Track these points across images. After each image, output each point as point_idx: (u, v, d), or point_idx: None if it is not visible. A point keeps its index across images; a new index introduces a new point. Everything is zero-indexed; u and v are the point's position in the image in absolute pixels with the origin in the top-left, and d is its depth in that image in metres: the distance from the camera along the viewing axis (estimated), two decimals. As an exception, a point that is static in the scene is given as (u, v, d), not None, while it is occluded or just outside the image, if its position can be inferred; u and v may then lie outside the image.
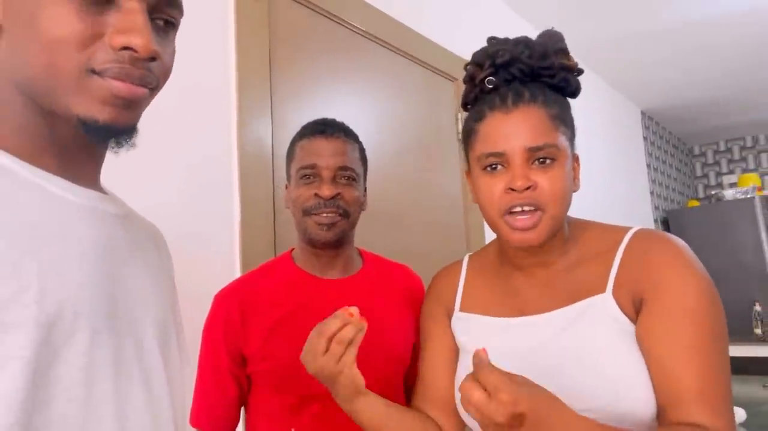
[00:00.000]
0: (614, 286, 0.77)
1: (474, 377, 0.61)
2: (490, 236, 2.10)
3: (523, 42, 0.82)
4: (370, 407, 0.81)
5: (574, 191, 0.82)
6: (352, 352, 0.75)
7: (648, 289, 0.74)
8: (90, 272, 0.48)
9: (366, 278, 1.03)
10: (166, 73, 0.54)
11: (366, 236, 1.60)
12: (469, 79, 0.86)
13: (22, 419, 0.40)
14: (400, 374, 1.02)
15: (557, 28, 0.85)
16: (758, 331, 3.34)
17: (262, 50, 1.38)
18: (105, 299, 0.49)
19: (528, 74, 0.80)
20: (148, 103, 0.53)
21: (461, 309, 0.91)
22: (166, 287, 0.62)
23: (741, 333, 3.39)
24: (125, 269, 0.54)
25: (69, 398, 0.44)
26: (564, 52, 0.82)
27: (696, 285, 0.72)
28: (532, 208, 0.76)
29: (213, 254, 1.21)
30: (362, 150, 1.04)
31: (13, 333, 0.40)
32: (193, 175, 1.20)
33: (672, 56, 3.24)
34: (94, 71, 0.47)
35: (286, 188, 1.04)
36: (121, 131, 0.50)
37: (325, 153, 0.96)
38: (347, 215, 0.96)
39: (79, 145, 0.52)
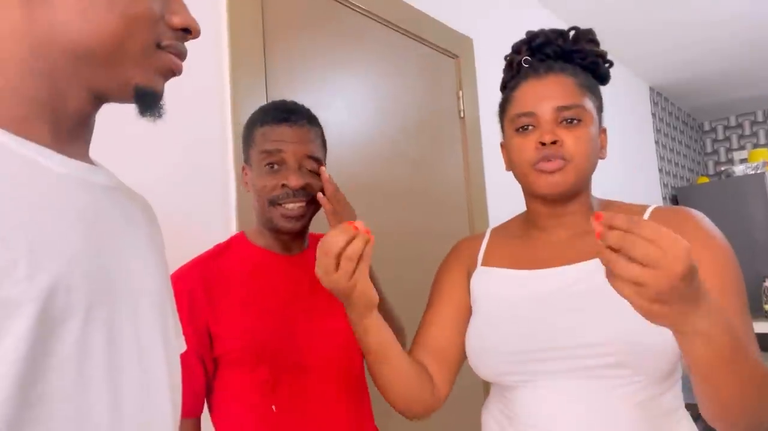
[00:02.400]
0: None
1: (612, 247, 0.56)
2: (493, 214, 2.08)
3: (558, 31, 0.93)
4: (380, 328, 0.83)
5: (601, 159, 0.90)
6: (363, 267, 0.74)
7: None
8: (81, 245, 0.47)
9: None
10: None
11: (368, 215, 1.59)
12: (508, 65, 0.96)
13: (16, 393, 0.40)
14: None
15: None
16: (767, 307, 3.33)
17: (256, 29, 1.36)
18: (98, 273, 0.48)
19: (561, 55, 0.90)
20: None
21: (483, 264, 0.96)
22: (158, 259, 0.61)
23: (750, 309, 3.36)
24: (117, 241, 0.53)
25: (62, 373, 0.43)
26: (595, 42, 0.92)
27: (722, 247, 0.80)
28: (558, 159, 0.84)
29: (210, 237, 1.20)
30: (323, 135, 1.04)
31: (5, 308, 0.40)
32: (188, 157, 1.20)
33: (681, 30, 3.17)
34: (159, 46, 0.53)
35: (244, 170, 1.03)
36: (160, 100, 0.56)
37: (290, 141, 0.95)
38: (314, 201, 0.98)
39: (79, 118, 0.52)
